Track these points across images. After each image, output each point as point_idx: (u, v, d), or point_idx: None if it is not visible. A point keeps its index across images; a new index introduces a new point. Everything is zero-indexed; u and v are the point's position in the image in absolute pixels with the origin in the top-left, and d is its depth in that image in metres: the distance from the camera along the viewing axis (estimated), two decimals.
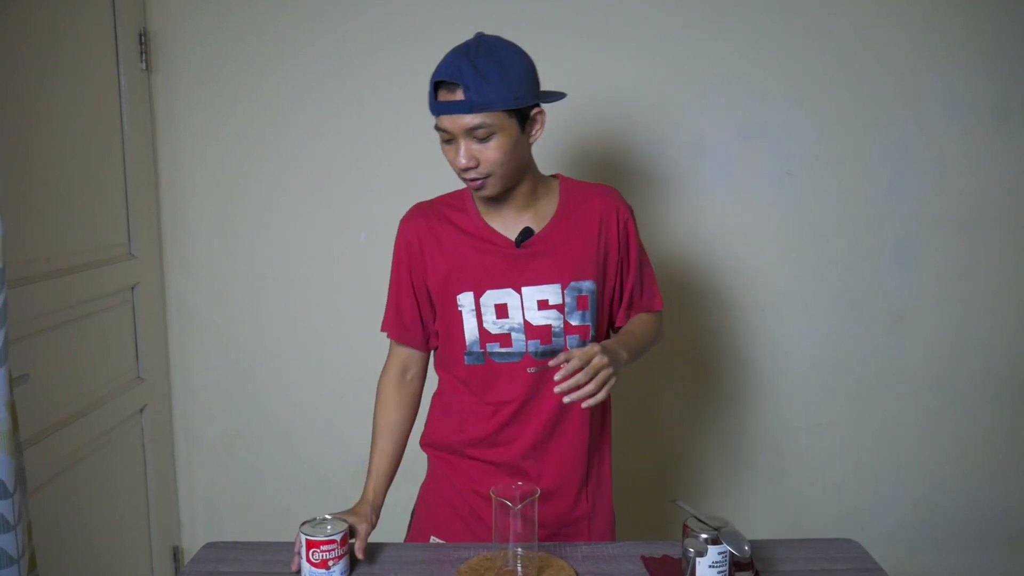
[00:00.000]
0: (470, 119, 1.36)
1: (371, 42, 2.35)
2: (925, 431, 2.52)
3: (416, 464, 1.68)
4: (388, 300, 1.60)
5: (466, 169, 1.40)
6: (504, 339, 1.50)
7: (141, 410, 2.37)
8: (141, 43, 2.32)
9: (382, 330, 1.61)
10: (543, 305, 1.49)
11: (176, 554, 2.57)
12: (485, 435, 1.55)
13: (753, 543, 1.29)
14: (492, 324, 1.50)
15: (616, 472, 2.54)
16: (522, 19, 2.28)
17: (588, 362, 1.32)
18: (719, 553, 1.23)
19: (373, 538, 1.48)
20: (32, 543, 1.52)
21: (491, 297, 1.49)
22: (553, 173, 1.62)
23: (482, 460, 1.57)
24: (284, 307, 2.48)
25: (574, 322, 1.51)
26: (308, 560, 1.31)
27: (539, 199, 1.54)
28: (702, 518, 1.27)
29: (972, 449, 2.53)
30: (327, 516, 1.38)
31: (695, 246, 2.43)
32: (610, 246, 1.55)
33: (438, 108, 1.39)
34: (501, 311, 1.49)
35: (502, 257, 1.50)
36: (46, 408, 1.89)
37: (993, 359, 2.48)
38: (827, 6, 2.33)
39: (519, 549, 1.29)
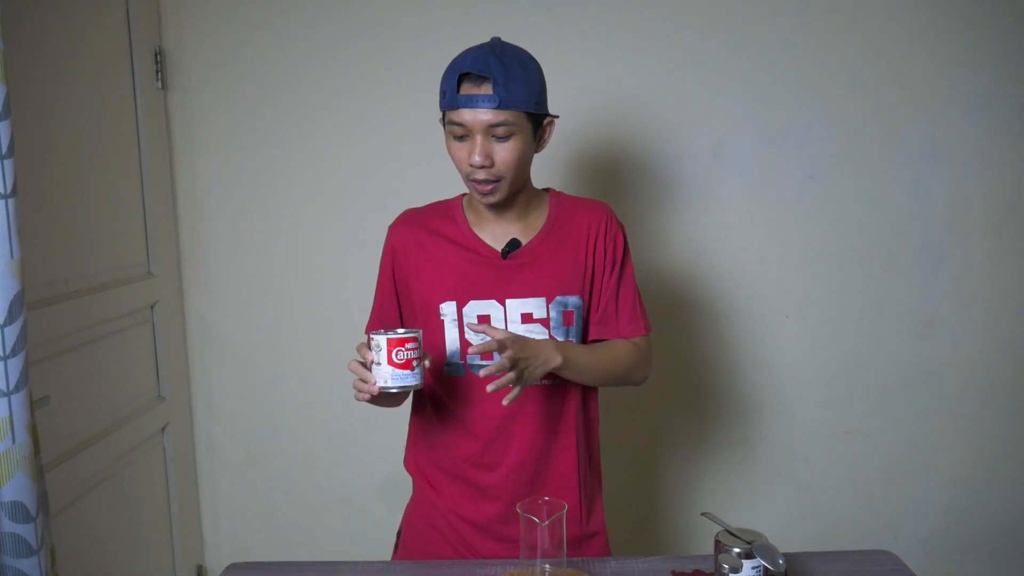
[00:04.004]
0: (495, 115, 1.34)
1: (386, 58, 2.35)
2: (957, 437, 2.46)
3: (408, 482, 1.67)
4: (373, 304, 1.59)
5: (479, 168, 1.38)
6: None
7: (163, 429, 2.37)
8: (157, 62, 2.33)
9: (366, 333, 1.58)
10: (527, 318, 1.47)
11: (200, 573, 2.56)
12: (469, 455, 1.52)
13: (786, 556, 1.26)
14: (474, 335, 1.47)
15: (642, 484, 2.53)
16: (537, 24, 2.26)
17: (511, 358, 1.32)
18: (753, 568, 1.19)
19: (376, 557, 1.45)
20: (55, 567, 1.51)
21: (474, 308, 1.47)
22: (546, 187, 1.60)
23: (468, 483, 1.53)
24: (304, 323, 2.47)
25: (559, 337, 1.48)
26: (391, 362, 1.29)
27: (530, 212, 1.52)
28: (733, 531, 1.24)
29: (1006, 455, 2.47)
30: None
31: (716, 253, 2.40)
32: (597, 262, 1.51)
33: (462, 101, 1.35)
34: (483, 322, 1.47)
35: (487, 268, 1.48)
36: (68, 430, 1.89)
37: None
38: (848, 6, 2.29)
39: (547, 565, 1.27)
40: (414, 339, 1.31)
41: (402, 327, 1.55)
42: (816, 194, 2.37)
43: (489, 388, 1.31)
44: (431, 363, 1.41)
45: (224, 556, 2.54)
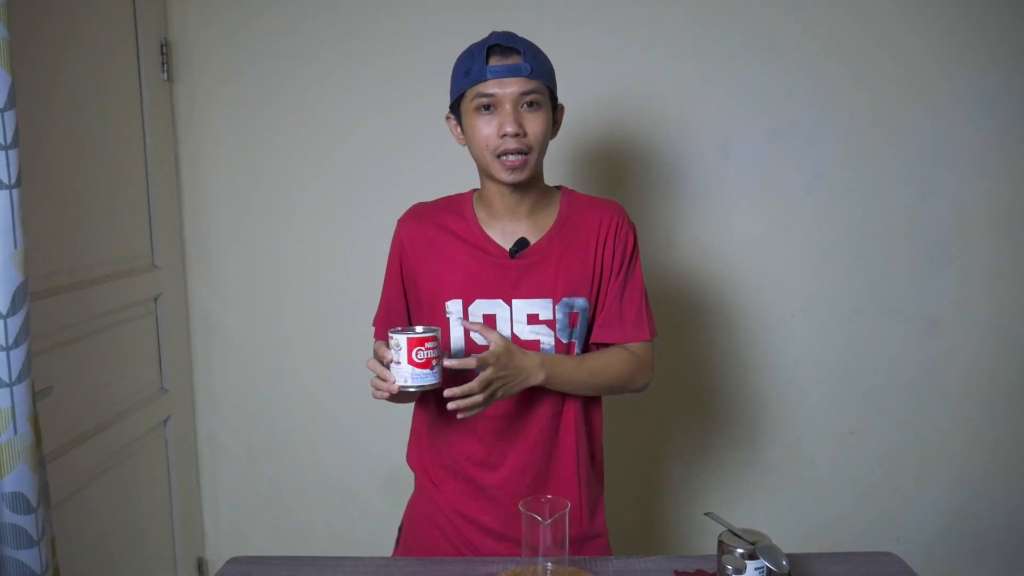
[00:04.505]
0: (526, 83, 1.36)
1: (390, 50, 2.34)
2: (962, 439, 2.45)
3: (410, 478, 1.66)
4: (381, 298, 1.58)
5: (512, 136, 1.37)
6: None
7: (165, 421, 2.36)
8: (162, 53, 2.32)
9: (372, 325, 1.58)
10: (533, 320, 1.46)
11: (201, 566, 2.56)
12: (471, 454, 1.51)
13: (790, 557, 1.26)
14: (478, 335, 1.46)
15: (645, 484, 2.52)
16: (543, 20, 2.25)
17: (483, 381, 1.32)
18: (756, 569, 1.19)
19: (377, 552, 1.45)
20: (56, 558, 1.51)
21: (480, 307, 1.46)
22: (557, 184, 1.59)
23: (470, 481, 1.52)
24: (308, 316, 2.47)
25: (564, 339, 1.47)
26: (411, 361, 1.28)
27: (540, 209, 1.51)
28: (737, 532, 1.23)
29: (1011, 457, 2.46)
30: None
31: (722, 252, 2.39)
32: (606, 264, 1.49)
33: (491, 72, 1.36)
34: (489, 322, 1.46)
35: (494, 266, 1.46)
36: (70, 421, 1.88)
37: None
38: (856, 6, 2.28)
39: (549, 564, 1.26)
40: (433, 338, 1.30)
41: (410, 322, 1.55)
42: (823, 193, 2.36)
43: (450, 406, 1.32)
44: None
45: (225, 549, 2.54)
